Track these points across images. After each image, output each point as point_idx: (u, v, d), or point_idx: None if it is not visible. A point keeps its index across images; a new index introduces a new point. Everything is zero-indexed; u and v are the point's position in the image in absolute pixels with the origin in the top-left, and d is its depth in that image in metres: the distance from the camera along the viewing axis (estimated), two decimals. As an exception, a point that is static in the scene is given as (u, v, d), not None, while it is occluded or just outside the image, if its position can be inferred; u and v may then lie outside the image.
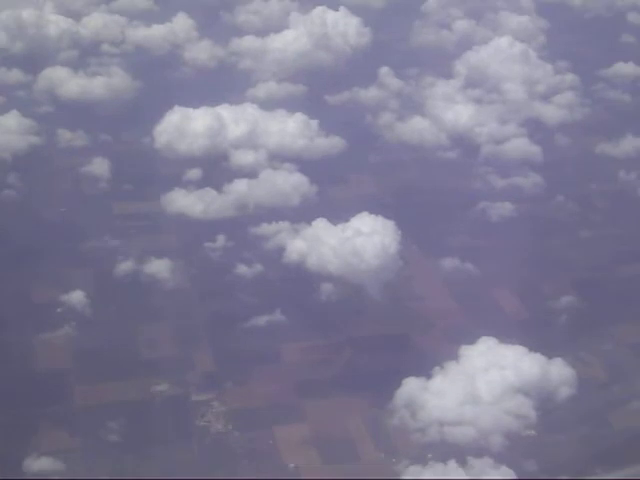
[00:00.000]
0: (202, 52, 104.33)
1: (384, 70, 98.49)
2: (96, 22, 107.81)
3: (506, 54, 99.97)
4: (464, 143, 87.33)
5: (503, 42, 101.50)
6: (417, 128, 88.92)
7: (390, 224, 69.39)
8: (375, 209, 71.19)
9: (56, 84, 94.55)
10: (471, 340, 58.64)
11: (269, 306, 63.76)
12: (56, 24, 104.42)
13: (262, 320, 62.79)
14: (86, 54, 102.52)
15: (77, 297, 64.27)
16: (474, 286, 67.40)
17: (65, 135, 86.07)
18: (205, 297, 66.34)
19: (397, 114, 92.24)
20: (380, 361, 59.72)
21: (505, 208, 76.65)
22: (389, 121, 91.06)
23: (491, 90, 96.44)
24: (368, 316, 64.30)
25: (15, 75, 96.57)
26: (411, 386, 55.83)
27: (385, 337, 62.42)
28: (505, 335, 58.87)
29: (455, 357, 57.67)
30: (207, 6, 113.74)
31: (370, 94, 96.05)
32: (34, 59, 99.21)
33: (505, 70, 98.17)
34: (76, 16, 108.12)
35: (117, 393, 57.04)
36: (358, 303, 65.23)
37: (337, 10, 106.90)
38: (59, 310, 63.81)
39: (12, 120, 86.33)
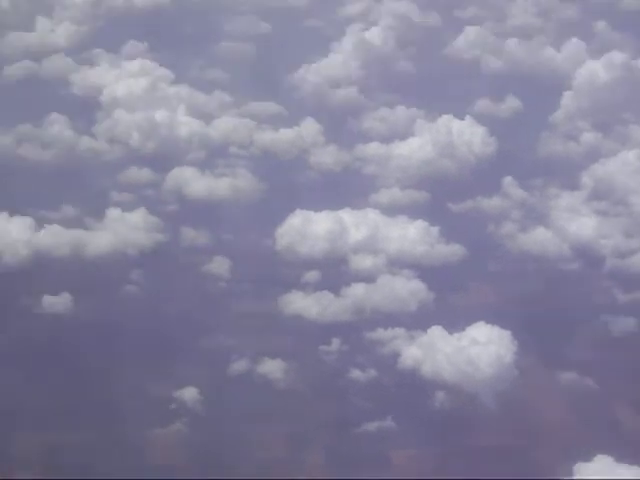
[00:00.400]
0: (328, 156, 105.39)
1: (508, 180, 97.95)
2: (226, 125, 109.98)
3: (634, 167, 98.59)
4: (587, 255, 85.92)
5: (631, 155, 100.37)
6: (540, 239, 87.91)
7: (507, 334, 68.42)
8: (492, 319, 70.28)
9: (183, 184, 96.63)
10: (586, 457, 56.86)
11: (381, 412, 63.29)
12: (187, 125, 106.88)
13: (373, 426, 62.34)
14: (214, 155, 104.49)
15: (190, 393, 64.80)
16: (592, 401, 65.71)
17: (189, 233, 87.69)
18: (317, 400, 66.16)
19: (520, 224, 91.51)
20: (492, 473, 58.35)
21: (628, 323, 74.86)
22: (511, 231, 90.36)
23: (617, 203, 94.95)
24: (481, 426, 63.22)
25: (145, 174, 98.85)
26: (523, 502, 54.54)
27: (497, 449, 61.14)
28: (622, 454, 56.92)
29: (569, 474, 56.07)
30: (335, 112, 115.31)
31: (493, 203, 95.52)
32: (164, 159, 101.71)
33: (633, 183, 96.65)
34: (207, 118, 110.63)
35: (226, 494, 57.09)
36: (472, 412, 64.25)
37: (463, 119, 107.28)
38: (173, 406, 64.43)
39: (139, 217, 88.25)
